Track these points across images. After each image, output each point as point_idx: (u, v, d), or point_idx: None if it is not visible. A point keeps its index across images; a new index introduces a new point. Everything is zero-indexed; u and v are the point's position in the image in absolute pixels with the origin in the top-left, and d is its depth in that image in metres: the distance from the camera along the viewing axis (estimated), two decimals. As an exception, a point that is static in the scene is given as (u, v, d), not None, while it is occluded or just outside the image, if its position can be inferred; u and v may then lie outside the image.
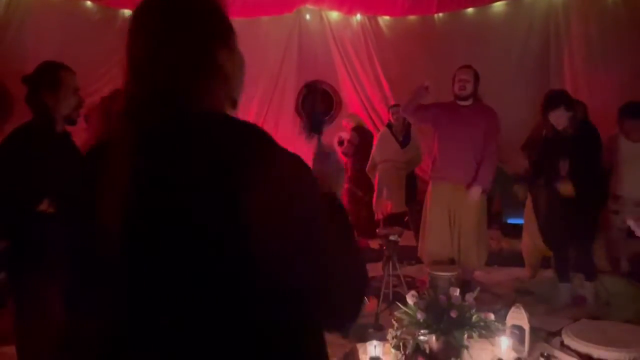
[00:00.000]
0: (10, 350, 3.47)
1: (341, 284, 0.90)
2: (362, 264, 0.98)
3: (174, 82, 0.91)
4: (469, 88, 3.95)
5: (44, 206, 2.00)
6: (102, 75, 5.49)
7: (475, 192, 3.96)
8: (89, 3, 5.78)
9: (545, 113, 3.84)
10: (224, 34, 0.97)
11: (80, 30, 5.67)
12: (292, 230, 0.84)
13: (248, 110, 6.85)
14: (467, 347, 2.51)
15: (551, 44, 6.55)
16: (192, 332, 0.84)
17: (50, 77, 2.16)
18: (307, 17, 7.12)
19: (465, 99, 3.99)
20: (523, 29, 6.63)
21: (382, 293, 3.79)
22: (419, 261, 4.56)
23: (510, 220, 6.04)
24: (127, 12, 6.04)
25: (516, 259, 4.88)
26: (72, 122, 2.24)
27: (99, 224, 0.85)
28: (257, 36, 6.67)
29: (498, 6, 6.75)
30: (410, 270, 4.66)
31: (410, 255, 4.73)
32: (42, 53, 5.36)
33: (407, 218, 5.61)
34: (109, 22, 5.91)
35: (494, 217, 6.28)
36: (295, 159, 0.90)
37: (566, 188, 3.74)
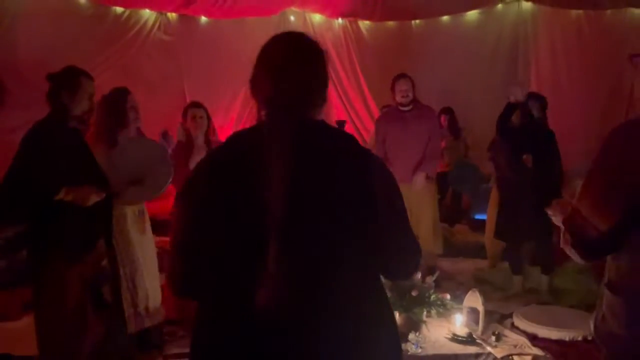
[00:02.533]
0: (10, 325, 3.76)
1: (409, 252, 1.35)
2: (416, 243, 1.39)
3: (305, 101, 1.27)
4: (410, 95, 4.36)
5: (61, 194, 2.27)
6: (92, 70, 5.67)
7: (419, 177, 4.36)
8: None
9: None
10: (328, 75, 1.34)
11: (72, 25, 5.75)
12: (389, 211, 1.24)
13: (232, 106, 7.08)
14: (425, 322, 2.88)
15: (519, 51, 6.98)
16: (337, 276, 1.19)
17: (71, 80, 2.43)
18: (292, 18, 7.39)
19: (407, 105, 4.40)
20: (493, 37, 7.05)
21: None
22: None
23: (478, 216, 6.41)
24: (119, 10, 6.24)
25: (480, 252, 5.28)
26: (83, 123, 2.52)
27: (263, 198, 1.14)
28: (242, 36, 6.92)
29: (471, 15, 7.16)
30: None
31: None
32: (35, 47, 5.52)
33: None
34: (101, 18, 6.08)
35: (463, 213, 6.70)
36: (382, 161, 1.36)
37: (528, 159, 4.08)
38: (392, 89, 4.43)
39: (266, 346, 1.15)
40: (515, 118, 4.28)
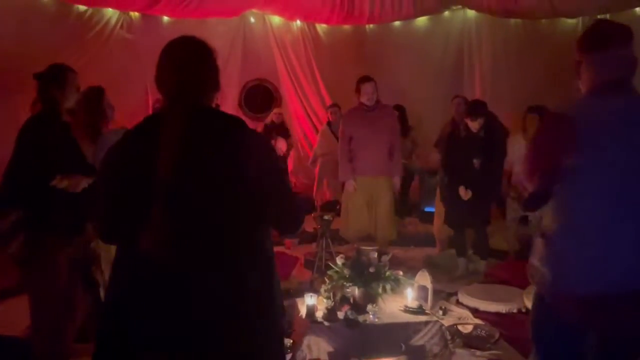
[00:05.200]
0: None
1: (291, 211, 1.64)
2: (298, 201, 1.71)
3: (196, 90, 1.58)
4: (374, 98, 4.73)
5: (56, 181, 2.49)
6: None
7: (397, 182, 4.92)
8: (44, -2, 6.02)
9: (467, 117, 4.57)
10: (218, 68, 1.65)
11: (35, 23, 5.82)
12: (266, 178, 1.54)
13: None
14: (381, 296, 3.25)
15: (465, 56, 7.52)
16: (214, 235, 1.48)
17: (58, 76, 2.62)
18: (252, 20, 7.66)
19: (371, 105, 4.76)
20: (441, 42, 7.57)
21: (316, 265, 4.48)
22: (348, 242, 5.30)
23: (427, 209, 6.87)
24: (82, 8, 6.35)
25: (429, 241, 5.73)
26: (72, 114, 2.74)
27: (157, 166, 1.44)
28: (204, 36, 7.07)
29: (421, 20, 7.66)
30: (340, 248, 5.37)
31: (341, 237, 5.46)
32: None
33: (339, 206, 6.35)
34: (64, 16, 6.17)
35: (413, 206, 7.16)
36: (264, 137, 1.69)
37: (466, 193, 4.55)
38: (357, 90, 4.75)
39: (151, 285, 1.46)
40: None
